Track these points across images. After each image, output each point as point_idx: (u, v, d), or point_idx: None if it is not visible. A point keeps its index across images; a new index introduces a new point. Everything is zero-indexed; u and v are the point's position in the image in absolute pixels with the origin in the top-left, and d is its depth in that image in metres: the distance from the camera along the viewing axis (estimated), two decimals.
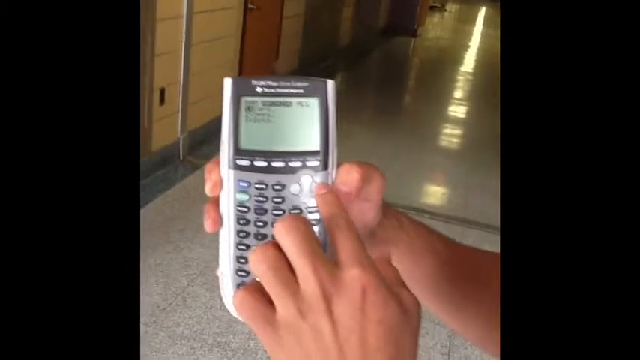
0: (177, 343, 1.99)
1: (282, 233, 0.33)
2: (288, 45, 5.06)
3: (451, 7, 15.82)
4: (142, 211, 2.70)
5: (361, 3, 7.48)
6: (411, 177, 3.74)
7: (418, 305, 0.33)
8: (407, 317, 0.32)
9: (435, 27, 12.49)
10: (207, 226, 0.37)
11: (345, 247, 0.33)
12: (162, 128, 3.21)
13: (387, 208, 0.42)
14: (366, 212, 0.40)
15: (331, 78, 0.38)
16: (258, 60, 4.34)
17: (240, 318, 0.36)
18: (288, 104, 0.37)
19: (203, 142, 3.59)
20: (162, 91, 3.13)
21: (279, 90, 0.37)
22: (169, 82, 3.19)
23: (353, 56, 7.11)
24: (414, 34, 9.80)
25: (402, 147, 4.31)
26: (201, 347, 1.99)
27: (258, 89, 0.37)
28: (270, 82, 0.37)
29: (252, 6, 4.01)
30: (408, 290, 0.33)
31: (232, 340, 2.04)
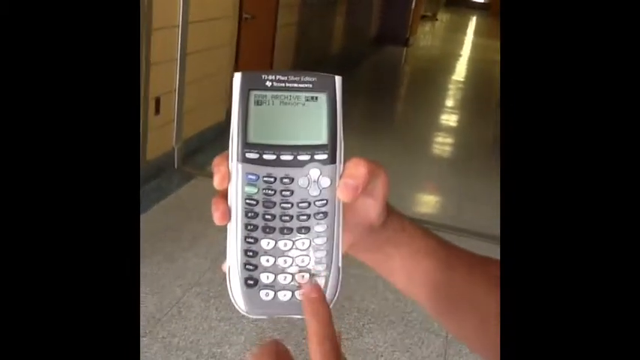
0: (172, 354, 1.98)
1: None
2: (282, 54, 5.08)
3: (442, 17, 15.93)
4: None
5: (353, 12, 7.53)
6: (404, 186, 3.76)
7: None
8: None
9: (426, 36, 12.57)
10: (216, 218, 0.37)
11: None
12: (158, 138, 3.21)
13: (391, 210, 0.43)
14: (370, 209, 0.40)
15: None
16: (252, 69, 4.35)
17: (247, 315, 0.37)
18: (296, 98, 0.37)
19: (197, 151, 3.59)
20: (157, 101, 3.13)
21: (288, 85, 0.37)
22: (165, 92, 3.20)
23: (345, 65, 7.15)
24: (405, 42, 9.86)
25: (395, 155, 4.33)
26: (197, 358, 1.98)
27: (268, 83, 0.37)
28: (279, 77, 0.37)
29: (247, 15, 4.03)
30: None
31: (228, 350, 2.03)
